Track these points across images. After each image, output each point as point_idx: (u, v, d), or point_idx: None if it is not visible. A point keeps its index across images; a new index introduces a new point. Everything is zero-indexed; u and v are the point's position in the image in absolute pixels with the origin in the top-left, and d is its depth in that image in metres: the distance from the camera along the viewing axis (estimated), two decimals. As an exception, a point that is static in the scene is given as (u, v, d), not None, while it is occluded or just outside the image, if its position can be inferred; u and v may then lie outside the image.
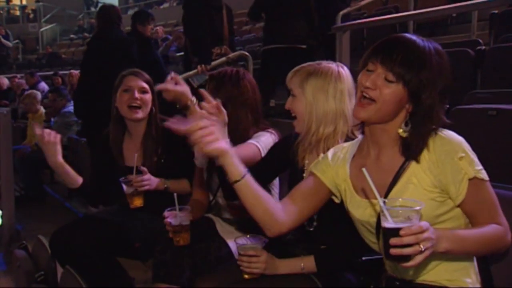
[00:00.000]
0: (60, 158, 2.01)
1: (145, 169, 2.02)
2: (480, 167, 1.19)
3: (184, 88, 1.75)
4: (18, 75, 8.76)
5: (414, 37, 1.21)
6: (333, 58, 1.62)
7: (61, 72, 8.55)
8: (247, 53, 3.85)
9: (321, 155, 1.45)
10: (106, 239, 2.00)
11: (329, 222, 1.56)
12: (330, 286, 1.50)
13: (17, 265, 2.40)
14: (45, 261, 2.20)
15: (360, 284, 1.47)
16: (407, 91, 1.17)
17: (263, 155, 1.78)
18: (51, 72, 9.00)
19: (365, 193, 1.29)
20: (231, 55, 3.81)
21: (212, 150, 1.23)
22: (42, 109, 5.36)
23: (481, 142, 2.23)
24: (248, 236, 1.59)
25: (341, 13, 4.45)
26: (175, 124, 1.25)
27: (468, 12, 4.73)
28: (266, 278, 1.50)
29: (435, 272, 1.25)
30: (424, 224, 1.03)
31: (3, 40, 14.00)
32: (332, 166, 1.38)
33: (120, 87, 2.14)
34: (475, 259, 1.29)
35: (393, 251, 1.03)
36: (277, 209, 1.33)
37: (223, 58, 3.74)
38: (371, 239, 1.33)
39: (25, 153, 4.66)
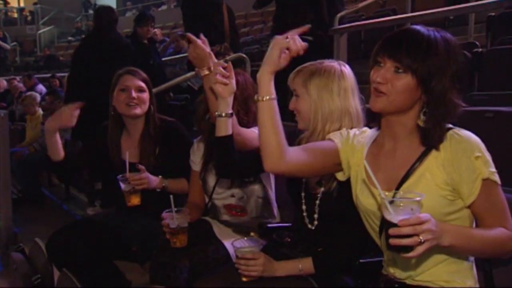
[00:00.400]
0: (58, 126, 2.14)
1: (142, 167, 2.01)
2: (494, 169, 1.20)
3: (209, 52, 1.73)
4: (17, 78, 8.75)
5: (418, 27, 1.23)
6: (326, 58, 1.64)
7: (58, 75, 8.54)
8: (244, 55, 3.84)
9: (344, 129, 1.46)
10: (103, 242, 1.99)
11: (330, 222, 1.57)
12: (327, 288, 1.50)
13: (14, 268, 2.40)
14: (42, 264, 2.20)
15: (358, 286, 1.47)
16: (417, 80, 1.19)
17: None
18: (49, 75, 8.99)
19: (381, 184, 1.28)
20: (229, 57, 3.81)
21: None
22: (40, 111, 5.36)
23: (478, 144, 2.25)
24: (245, 238, 1.59)
25: (339, 15, 4.46)
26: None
27: (465, 14, 4.74)
28: (264, 281, 1.50)
29: (433, 273, 1.25)
30: (424, 215, 1.04)
31: (1, 43, 13.99)
32: (351, 145, 1.39)
33: (116, 86, 2.14)
34: (474, 263, 1.29)
35: (392, 241, 1.05)
36: (286, 146, 1.33)
37: (220, 61, 3.73)
38: (375, 230, 1.34)
39: (22, 156, 4.65)
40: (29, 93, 5.91)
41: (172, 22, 14.00)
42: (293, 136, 1.68)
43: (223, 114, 1.56)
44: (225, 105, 1.56)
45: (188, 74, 4.14)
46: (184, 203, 2.04)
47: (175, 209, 1.70)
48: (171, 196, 1.72)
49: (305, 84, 1.56)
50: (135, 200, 1.98)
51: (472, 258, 1.28)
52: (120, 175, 1.98)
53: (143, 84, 2.15)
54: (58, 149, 2.15)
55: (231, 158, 1.60)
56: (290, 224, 1.77)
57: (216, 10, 4.04)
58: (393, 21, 4.31)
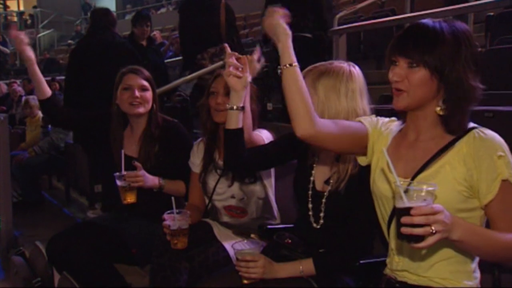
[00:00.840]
0: (32, 54, 2.19)
1: (139, 164, 2.01)
2: None
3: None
4: (17, 81, 8.75)
5: (425, 21, 1.26)
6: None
7: (58, 78, 8.54)
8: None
9: (373, 115, 1.47)
10: (103, 245, 1.99)
11: (336, 222, 1.57)
12: (328, 290, 1.49)
13: (14, 271, 2.40)
14: (42, 267, 2.20)
15: (359, 287, 1.47)
16: (431, 71, 1.21)
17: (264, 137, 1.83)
18: (49, 78, 8.99)
19: (400, 172, 1.29)
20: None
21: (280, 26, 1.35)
22: (40, 114, 5.37)
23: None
24: (245, 240, 1.59)
25: (338, 16, 4.47)
26: None
27: (465, 14, 4.74)
28: (265, 282, 1.49)
29: (436, 269, 1.25)
30: (437, 206, 1.04)
31: (0, 47, 14.00)
32: (378, 131, 1.40)
33: (120, 85, 2.15)
34: (477, 267, 1.28)
35: (403, 229, 1.04)
36: (314, 112, 1.33)
37: (221, 62, 3.73)
38: (385, 218, 1.35)
39: (22, 159, 4.64)
40: (29, 96, 5.92)
41: (172, 25, 13.99)
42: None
43: (235, 107, 1.57)
44: (237, 98, 1.57)
45: (188, 77, 4.15)
46: (184, 206, 2.04)
47: (177, 210, 1.70)
48: (173, 198, 1.72)
49: (314, 84, 1.56)
50: (130, 198, 1.97)
51: (476, 262, 1.28)
52: (116, 173, 1.97)
53: (146, 83, 2.16)
54: (41, 83, 2.21)
55: (240, 152, 1.60)
56: (291, 225, 1.77)
57: (213, 11, 4.03)
58: (392, 22, 4.31)
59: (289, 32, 1.36)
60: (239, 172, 1.87)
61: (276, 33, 1.36)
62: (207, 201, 2.02)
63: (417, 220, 1.02)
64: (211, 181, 1.98)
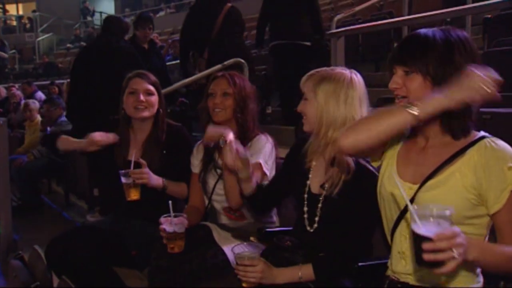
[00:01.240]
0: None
1: (144, 162, 2.02)
2: None
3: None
4: (16, 85, 8.76)
5: (419, 30, 1.29)
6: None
7: (57, 82, 8.55)
8: (242, 60, 3.84)
9: None
10: (102, 249, 1.99)
11: (330, 225, 1.57)
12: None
13: (13, 275, 2.39)
14: (41, 271, 2.20)
15: (357, 288, 1.47)
16: (423, 76, 1.24)
17: (265, 169, 1.87)
18: (48, 82, 9.00)
19: (407, 176, 1.32)
20: (227, 62, 3.81)
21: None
22: (39, 118, 5.37)
23: (476, 145, 2.25)
24: (245, 243, 1.58)
25: (336, 18, 4.48)
26: None
27: (462, 16, 4.76)
28: (264, 287, 1.49)
29: (440, 276, 1.25)
30: (457, 229, 1.03)
31: None
32: None
33: (126, 89, 2.17)
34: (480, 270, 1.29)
35: (426, 257, 1.01)
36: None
37: (218, 66, 3.73)
38: (389, 220, 1.36)
39: (22, 163, 4.65)
40: (29, 100, 5.94)
41: (171, 28, 14.04)
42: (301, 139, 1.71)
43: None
44: (246, 173, 1.65)
45: (186, 80, 4.16)
46: (183, 209, 2.04)
47: (173, 214, 1.70)
48: (170, 202, 1.73)
49: (314, 89, 1.58)
50: (134, 195, 1.98)
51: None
52: (122, 170, 1.99)
53: (151, 87, 2.16)
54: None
55: (259, 203, 1.76)
56: (290, 228, 1.77)
57: (214, 14, 4.03)
58: (390, 24, 4.33)
59: None
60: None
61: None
62: (206, 202, 2.02)
63: (440, 245, 0.99)
64: (211, 180, 2.00)
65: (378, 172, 1.43)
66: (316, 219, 1.58)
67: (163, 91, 2.35)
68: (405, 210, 1.30)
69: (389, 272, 1.38)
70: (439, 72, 1.23)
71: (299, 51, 4.23)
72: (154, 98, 2.16)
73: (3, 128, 3.27)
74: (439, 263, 1.02)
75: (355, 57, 5.51)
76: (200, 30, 4.07)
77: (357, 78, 1.60)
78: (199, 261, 1.79)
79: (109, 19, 4.03)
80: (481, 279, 1.29)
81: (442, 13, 3.49)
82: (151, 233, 1.91)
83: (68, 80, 7.61)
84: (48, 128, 5.05)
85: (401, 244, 1.33)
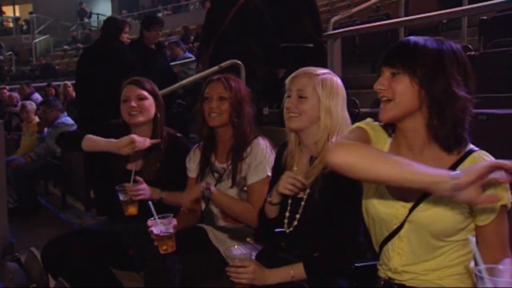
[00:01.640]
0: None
1: (140, 179, 2.03)
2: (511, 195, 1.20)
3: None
4: (7, 87, 8.72)
5: (412, 37, 1.28)
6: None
7: (54, 83, 8.52)
8: (239, 62, 3.84)
9: (369, 119, 1.41)
10: (98, 250, 1.99)
11: (310, 225, 1.57)
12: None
13: (9, 277, 2.39)
14: (38, 273, 2.19)
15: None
16: (410, 78, 1.23)
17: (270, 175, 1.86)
18: (45, 83, 8.98)
19: (398, 194, 1.29)
20: (224, 64, 3.81)
21: None
22: (36, 119, 5.36)
23: (472, 146, 2.25)
24: (237, 246, 1.59)
25: (333, 20, 4.50)
26: None
27: (458, 18, 4.78)
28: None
29: (436, 275, 1.26)
30: None
31: None
32: (375, 137, 1.36)
33: (122, 98, 2.18)
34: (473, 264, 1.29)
35: None
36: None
37: (215, 68, 3.74)
38: (379, 238, 1.34)
39: (18, 165, 4.63)
40: (25, 101, 5.93)
41: (168, 30, 14.03)
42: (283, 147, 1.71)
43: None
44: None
45: (183, 81, 4.16)
46: (179, 212, 2.04)
47: (160, 215, 1.72)
48: (150, 203, 1.73)
49: (315, 89, 1.58)
50: (132, 210, 2.02)
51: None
52: (119, 186, 2.00)
53: (144, 92, 2.16)
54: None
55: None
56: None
57: (228, 6, 3.94)
58: (386, 26, 4.34)
59: None
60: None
61: None
62: (203, 205, 2.02)
63: None
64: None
65: None
66: (297, 216, 1.60)
67: (165, 90, 2.35)
68: (398, 229, 1.28)
69: (381, 274, 1.37)
70: (427, 75, 1.21)
71: (301, 53, 4.24)
72: (148, 103, 2.15)
73: (0, 130, 3.27)
74: None
75: (351, 58, 5.52)
76: (211, 22, 4.01)
77: (339, 80, 1.65)
78: (195, 263, 1.79)
79: (105, 20, 4.08)
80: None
81: (439, 14, 3.51)
82: (147, 235, 1.90)
83: (65, 82, 7.63)
84: (45, 130, 5.04)
85: (393, 260, 1.31)
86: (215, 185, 1.96)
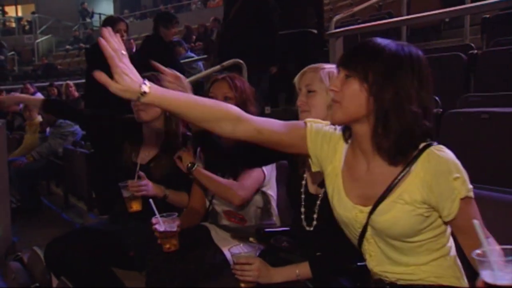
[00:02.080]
0: None
1: (142, 174, 2.02)
2: (471, 186, 1.17)
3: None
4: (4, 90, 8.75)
5: (377, 38, 1.23)
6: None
7: (56, 83, 8.54)
8: (241, 61, 3.83)
9: (328, 122, 1.38)
10: (101, 250, 1.99)
11: (329, 224, 1.56)
12: (325, 292, 1.49)
13: (12, 277, 2.39)
14: (40, 272, 2.20)
15: (355, 288, 1.47)
16: (364, 83, 1.18)
17: (265, 169, 1.86)
18: (47, 83, 9.00)
19: (356, 198, 1.28)
20: (225, 63, 3.81)
21: None
22: (39, 118, 5.37)
23: (474, 145, 2.25)
24: (241, 244, 1.59)
25: (335, 19, 4.48)
26: None
27: (461, 16, 4.76)
28: (262, 286, 1.49)
29: (424, 271, 1.25)
30: None
31: None
32: (327, 146, 1.34)
33: None
34: (458, 260, 1.28)
35: None
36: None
37: (217, 66, 3.74)
38: (354, 237, 1.33)
39: (21, 165, 4.64)
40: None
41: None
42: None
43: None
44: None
45: (192, 78, 4.15)
46: (181, 211, 2.04)
47: (165, 214, 1.72)
48: (151, 200, 1.73)
49: (322, 81, 1.58)
50: (135, 206, 2.01)
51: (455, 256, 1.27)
52: (121, 183, 2.00)
53: None
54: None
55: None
56: (288, 228, 1.77)
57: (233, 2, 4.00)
58: (389, 24, 4.33)
59: None
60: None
61: None
62: (208, 204, 2.02)
63: None
64: None
65: None
66: (315, 216, 1.58)
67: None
68: (363, 232, 1.27)
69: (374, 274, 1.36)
70: (377, 82, 1.16)
71: (304, 39, 4.30)
72: None
73: (2, 130, 3.28)
74: None
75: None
76: (224, 19, 4.05)
77: None
78: (198, 261, 1.79)
79: (105, 20, 4.10)
80: (462, 270, 1.28)
81: (441, 13, 3.50)
82: (149, 234, 1.91)
83: (67, 81, 7.65)
84: (48, 130, 5.05)
85: (368, 262, 1.31)
86: None
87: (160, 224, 1.70)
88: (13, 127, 6.77)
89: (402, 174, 1.20)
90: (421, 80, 1.18)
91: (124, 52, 1.16)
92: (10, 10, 20.81)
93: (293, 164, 1.69)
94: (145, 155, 2.16)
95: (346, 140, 1.33)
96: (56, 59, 16.71)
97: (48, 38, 18.47)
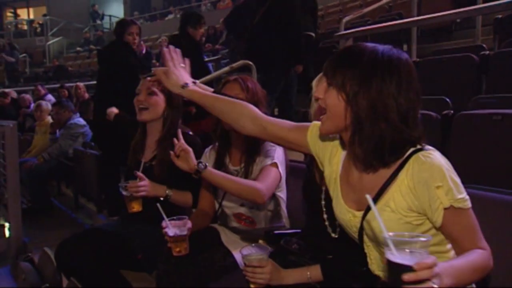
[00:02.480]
0: None
1: (141, 174, 2.01)
2: (460, 195, 1.13)
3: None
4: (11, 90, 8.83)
5: (361, 43, 1.20)
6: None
7: (67, 85, 8.61)
8: (250, 62, 3.83)
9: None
10: (111, 251, 1.99)
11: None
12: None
13: (23, 277, 2.41)
14: (51, 273, 2.20)
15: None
16: (341, 92, 1.16)
17: (280, 170, 1.85)
18: (58, 85, 9.08)
19: (351, 202, 1.27)
20: (235, 64, 3.81)
21: None
22: (50, 119, 5.42)
23: (486, 147, 2.22)
24: (253, 245, 1.58)
25: (345, 20, 4.47)
26: None
27: (472, 17, 4.72)
28: (272, 288, 1.49)
29: None
30: (434, 257, 0.96)
31: (5, 56, 14.16)
32: (327, 145, 1.34)
33: (136, 90, 2.19)
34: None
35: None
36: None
37: (226, 68, 3.74)
38: (356, 239, 1.32)
39: (31, 166, 4.68)
40: (41, 101, 6.03)
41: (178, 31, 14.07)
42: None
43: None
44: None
45: (208, 77, 4.16)
46: (189, 213, 2.04)
47: (175, 217, 1.70)
48: (158, 204, 1.72)
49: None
50: (135, 207, 1.99)
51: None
52: (120, 183, 2.00)
53: (155, 88, 2.13)
54: None
55: None
56: (298, 231, 1.76)
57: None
58: (399, 25, 4.31)
59: None
60: None
61: None
62: (217, 206, 2.01)
63: (422, 275, 0.92)
64: None
65: None
66: (337, 223, 1.54)
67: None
68: (360, 235, 1.26)
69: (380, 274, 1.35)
70: (353, 91, 1.13)
71: (304, 40, 4.36)
72: (155, 99, 2.13)
73: (14, 131, 3.30)
74: None
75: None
76: (246, 16, 4.12)
77: None
78: (207, 264, 1.78)
79: (117, 22, 4.20)
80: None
81: (452, 13, 3.47)
82: (157, 236, 1.90)
83: (78, 83, 7.71)
84: (58, 131, 5.09)
85: (370, 264, 1.30)
86: None
87: (170, 228, 1.68)
88: (24, 128, 6.84)
89: (389, 180, 1.18)
90: (400, 86, 1.13)
91: (183, 65, 1.59)
92: (22, 13, 21.06)
93: (312, 170, 1.67)
94: (148, 154, 2.16)
95: (343, 146, 1.32)
96: (67, 61, 16.86)
97: (59, 40, 18.64)
